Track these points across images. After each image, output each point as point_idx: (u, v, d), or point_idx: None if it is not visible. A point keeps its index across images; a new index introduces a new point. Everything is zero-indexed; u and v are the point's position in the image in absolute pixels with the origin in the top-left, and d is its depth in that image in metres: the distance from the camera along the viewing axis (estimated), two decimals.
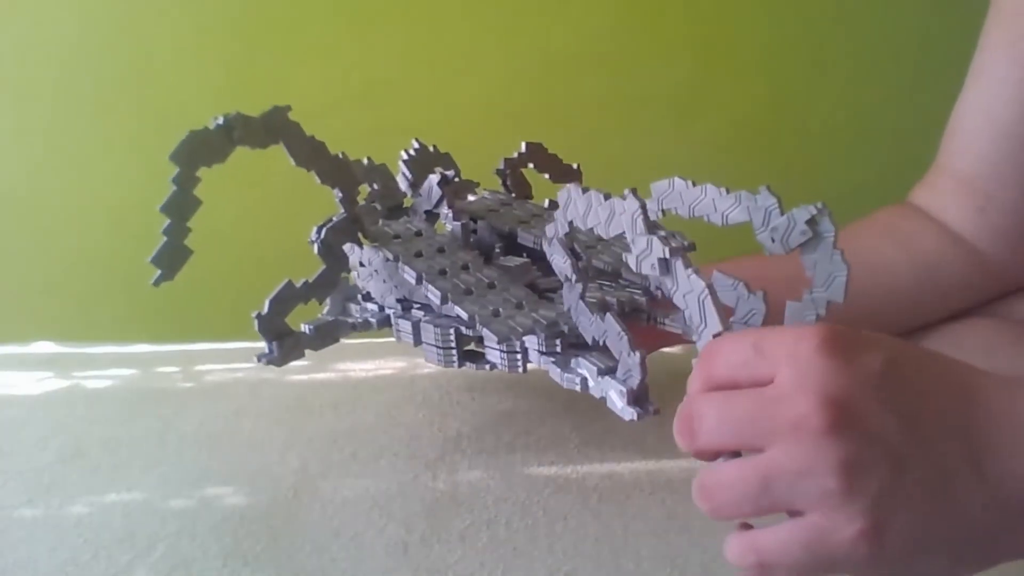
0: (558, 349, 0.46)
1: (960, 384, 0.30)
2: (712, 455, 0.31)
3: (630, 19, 1.08)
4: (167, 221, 0.46)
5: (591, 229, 0.43)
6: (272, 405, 0.59)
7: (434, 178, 0.58)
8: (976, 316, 0.62)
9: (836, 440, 0.27)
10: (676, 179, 0.43)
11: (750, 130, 1.14)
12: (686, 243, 0.39)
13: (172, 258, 0.46)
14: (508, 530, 0.44)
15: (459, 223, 0.56)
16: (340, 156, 0.58)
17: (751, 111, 1.13)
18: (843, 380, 0.28)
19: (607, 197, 0.41)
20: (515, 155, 0.63)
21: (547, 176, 0.65)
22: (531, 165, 0.64)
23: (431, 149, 0.62)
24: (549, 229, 0.46)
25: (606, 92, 1.10)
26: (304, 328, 0.52)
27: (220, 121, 0.46)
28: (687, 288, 0.37)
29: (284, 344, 0.50)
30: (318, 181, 0.50)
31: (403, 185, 0.61)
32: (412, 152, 0.61)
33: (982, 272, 0.61)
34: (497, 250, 0.59)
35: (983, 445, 0.28)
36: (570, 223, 0.44)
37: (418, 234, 0.55)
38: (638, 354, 0.40)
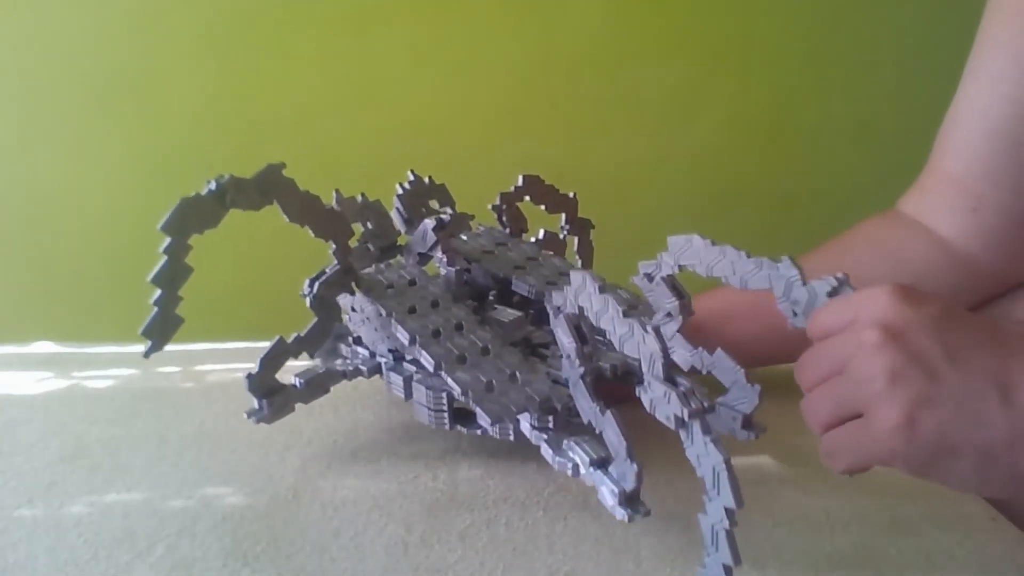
0: (550, 426, 0.46)
1: (1003, 336, 0.36)
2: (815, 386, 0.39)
3: (630, 19, 1.08)
4: (157, 292, 0.44)
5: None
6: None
7: (429, 223, 0.57)
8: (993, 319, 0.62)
9: (885, 354, 0.35)
10: (695, 237, 0.43)
11: (750, 130, 1.14)
12: (706, 404, 0.37)
13: (164, 328, 0.45)
14: (508, 530, 0.44)
15: (453, 269, 0.55)
16: (335, 194, 0.57)
17: (751, 111, 1.13)
18: (902, 315, 0.35)
19: (626, 312, 0.40)
20: (511, 189, 0.63)
21: (543, 207, 0.65)
22: (527, 198, 0.64)
23: (426, 181, 0.61)
24: (557, 298, 0.45)
25: (606, 92, 1.10)
26: (295, 381, 0.52)
27: (212, 186, 0.44)
28: (703, 452, 0.36)
29: (275, 402, 0.50)
30: (312, 235, 0.49)
31: (398, 220, 0.60)
32: (407, 185, 0.60)
33: (973, 276, 0.60)
34: (491, 297, 0.59)
35: (1014, 382, 0.34)
36: (581, 308, 0.43)
37: (412, 283, 0.54)
38: (636, 465, 0.40)
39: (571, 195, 0.65)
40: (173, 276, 0.44)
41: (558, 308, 0.45)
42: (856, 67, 1.12)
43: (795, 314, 0.41)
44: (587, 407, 0.43)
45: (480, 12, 1.05)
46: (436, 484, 0.49)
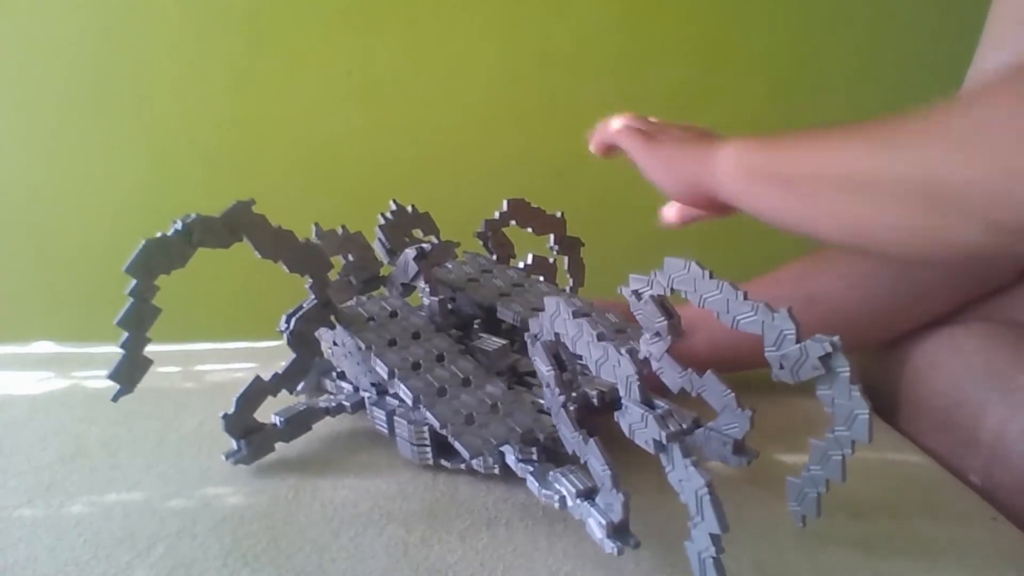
0: (534, 457, 0.46)
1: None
2: None
3: (631, 19, 1.08)
4: (124, 335, 0.43)
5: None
6: (272, 405, 0.59)
7: (410, 253, 0.56)
8: (974, 319, 0.62)
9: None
10: (693, 264, 0.42)
11: (750, 129, 1.14)
12: (684, 426, 0.37)
13: (132, 371, 0.44)
14: (508, 530, 0.44)
15: (436, 299, 0.55)
16: (314, 227, 0.56)
17: (751, 110, 1.13)
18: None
19: (600, 337, 0.39)
20: (496, 215, 0.63)
21: (530, 229, 0.65)
22: (513, 222, 0.64)
23: (409, 210, 0.61)
24: (534, 325, 0.44)
25: (606, 92, 1.10)
26: (275, 420, 0.51)
27: (179, 226, 0.43)
28: (684, 476, 0.35)
29: (253, 442, 0.49)
30: (286, 271, 0.48)
31: (380, 252, 0.59)
32: (389, 215, 0.60)
33: (964, 272, 0.61)
34: (476, 325, 0.59)
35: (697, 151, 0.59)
36: (557, 334, 0.42)
37: (393, 314, 0.53)
38: (622, 494, 0.39)
39: (559, 215, 0.65)
40: (140, 319, 0.43)
41: (535, 336, 0.44)
42: (856, 67, 1.13)
43: (781, 367, 0.39)
44: (570, 436, 0.43)
45: (480, 12, 1.05)
46: (436, 484, 0.49)
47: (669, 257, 0.43)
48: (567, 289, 0.67)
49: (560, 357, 0.44)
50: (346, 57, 1.05)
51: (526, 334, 0.45)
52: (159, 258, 0.43)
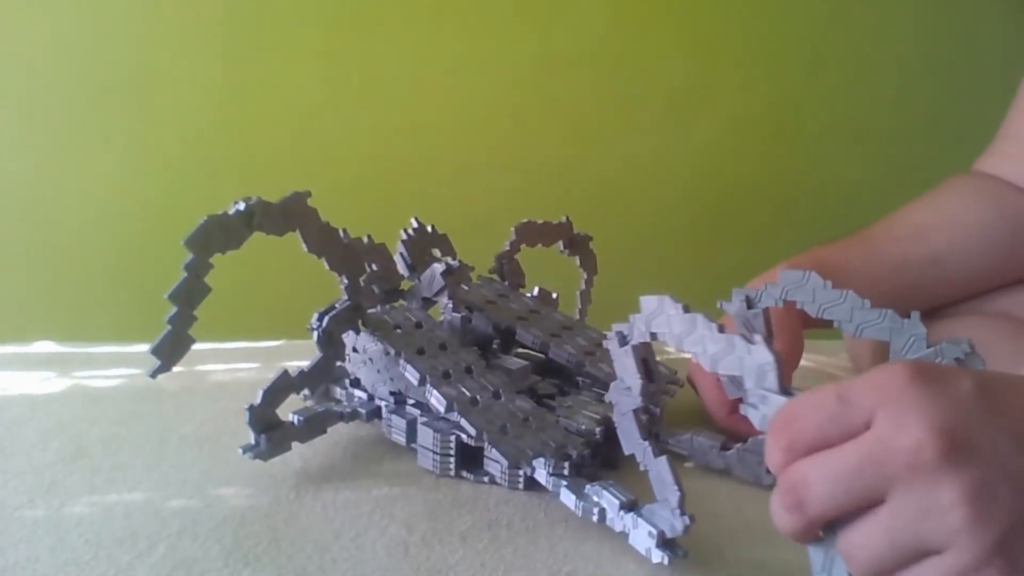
0: (566, 472, 0.46)
1: None
2: (826, 523, 0.30)
3: (629, 19, 1.09)
4: (172, 310, 0.43)
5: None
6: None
7: (438, 267, 0.57)
8: (973, 314, 0.62)
9: (955, 469, 0.26)
10: (813, 274, 0.40)
11: (749, 130, 1.14)
12: None
13: (174, 348, 0.44)
14: (510, 531, 0.44)
15: (458, 315, 0.55)
16: (341, 233, 0.57)
17: (750, 111, 1.13)
18: (943, 407, 0.27)
19: (721, 328, 0.35)
20: (506, 245, 0.63)
21: (541, 245, 0.65)
22: (522, 246, 0.64)
23: (429, 229, 0.62)
24: (624, 326, 0.41)
25: (606, 92, 1.10)
26: (293, 418, 0.51)
27: (241, 206, 0.44)
28: None
29: (272, 437, 0.49)
30: (327, 267, 0.49)
31: (401, 266, 0.60)
32: (411, 232, 0.60)
33: None
34: (495, 345, 0.59)
35: None
36: (652, 334, 0.39)
37: (418, 325, 0.54)
38: (688, 517, 0.39)
39: (564, 219, 0.66)
40: (191, 294, 0.43)
41: (624, 336, 0.41)
42: (856, 69, 1.13)
43: None
44: (634, 441, 0.42)
45: (481, 13, 1.05)
46: (438, 485, 0.49)
47: (784, 270, 0.42)
48: (581, 284, 0.68)
49: (649, 365, 0.41)
50: (346, 58, 1.05)
51: (611, 333, 0.41)
52: (217, 235, 0.43)
